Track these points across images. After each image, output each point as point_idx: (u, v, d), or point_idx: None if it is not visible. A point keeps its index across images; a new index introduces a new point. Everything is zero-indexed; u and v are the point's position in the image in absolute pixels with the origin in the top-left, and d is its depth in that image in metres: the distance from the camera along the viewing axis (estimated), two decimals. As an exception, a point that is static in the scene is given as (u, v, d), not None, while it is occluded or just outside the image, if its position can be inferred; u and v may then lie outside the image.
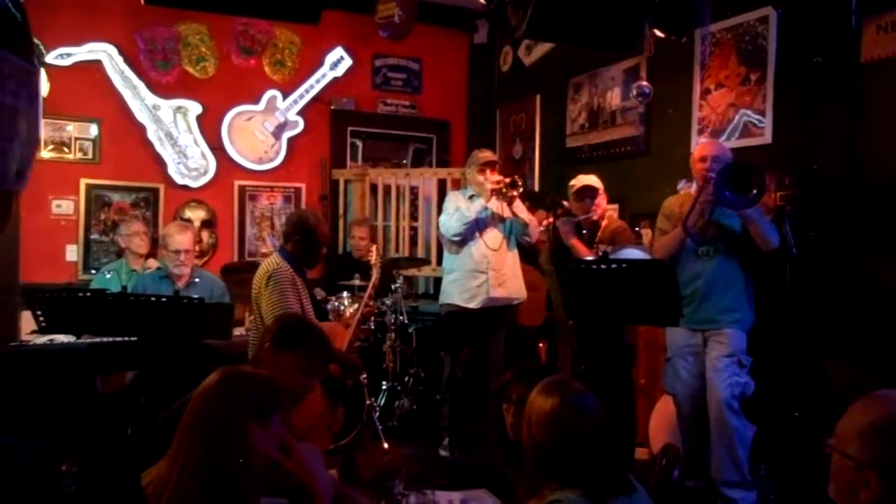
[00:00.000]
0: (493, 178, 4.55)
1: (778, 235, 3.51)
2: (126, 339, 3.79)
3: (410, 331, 5.63)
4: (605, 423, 1.86)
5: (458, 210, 4.62)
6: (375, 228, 6.32)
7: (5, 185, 1.75)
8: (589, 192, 4.41)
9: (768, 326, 3.72)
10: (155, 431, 2.17)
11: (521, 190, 4.48)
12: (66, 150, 5.80)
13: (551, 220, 4.39)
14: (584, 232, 4.48)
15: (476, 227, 4.61)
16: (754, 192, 3.35)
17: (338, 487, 2.00)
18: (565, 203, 4.48)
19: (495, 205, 4.57)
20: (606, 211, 4.60)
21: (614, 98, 5.51)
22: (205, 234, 6.23)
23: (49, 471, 3.31)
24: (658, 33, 4.15)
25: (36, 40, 5.37)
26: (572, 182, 4.50)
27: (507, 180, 4.47)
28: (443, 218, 4.73)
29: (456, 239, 4.63)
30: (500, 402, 2.52)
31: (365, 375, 4.45)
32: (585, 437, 1.81)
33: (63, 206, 5.79)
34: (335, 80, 6.64)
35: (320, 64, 6.59)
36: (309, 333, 2.44)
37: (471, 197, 4.70)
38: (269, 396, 1.78)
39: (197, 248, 5.50)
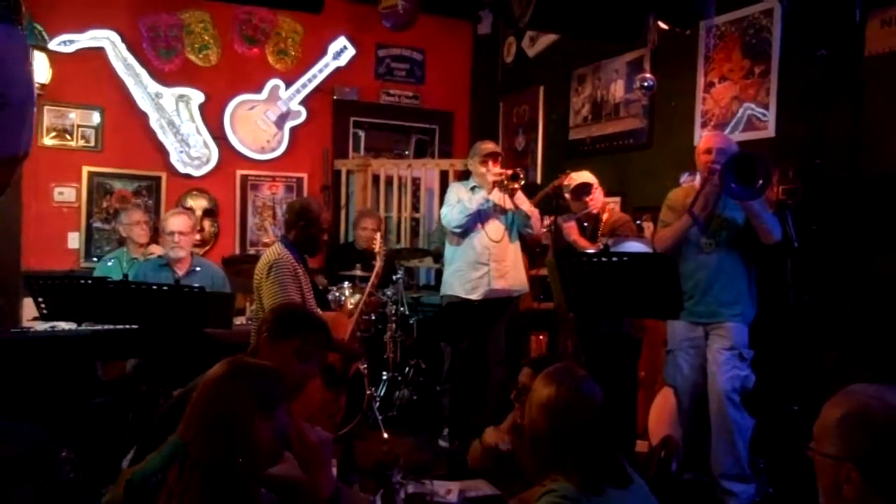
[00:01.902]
0: (494, 170, 4.55)
1: (780, 229, 3.50)
2: (127, 326, 3.81)
3: (411, 322, 5.63)
4: (603, 413, 1.86)
5: (459, 201, 4.61)
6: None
7: (20, 150, 1.76)
8: (584, 189, 4.42)
9: (769, 320, 3.72)
10: (157, 419, 2.17)
11: (522, 182, 4.48)
12: (68, 137, 5.79)
13: (553, 218, 4.40)
14: (586, 225, 4.48)
15: (478, 219, 4.60)
16: (760, 182, 3.34)
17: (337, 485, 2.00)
18: (567, 195, 4.48)
19: (497, 196, 4.57)
20: (606, 204, 4.60)
21: (618, 90, 5.49)
22: (206, 223, 6.23)
23: (49, 457, 3.33)
24: (662, 25, 4.14)
25: (38, 26, 5.38)
26: (566, 182, 4.50)
27: (509, 172, 4.47)
28: (444, 209, 4.73)
29: (457, 230, 4.63)
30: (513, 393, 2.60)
31: (365, 365, 4.46)
32: (582, 425, 1.81)
33: (65, 194, 5.79)
34: (338, 69, 6.63)
35: (323, 53, 6.57)
36: (305, 321, 2.43)
37: (473, 188, 4.70)
38: (275, 388, 1.76)
39: (198, 236, 5.51)
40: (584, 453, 1.80)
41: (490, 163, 4.61)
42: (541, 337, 5.17)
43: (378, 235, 4.83)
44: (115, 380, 4.18)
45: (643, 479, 1.94)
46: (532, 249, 5.05)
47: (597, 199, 4.46)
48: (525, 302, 5.05)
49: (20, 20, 2.72)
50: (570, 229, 4.38)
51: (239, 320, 4.59)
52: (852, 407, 1.38)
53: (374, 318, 5.27)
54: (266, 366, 1.86)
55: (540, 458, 1.87)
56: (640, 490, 1.89)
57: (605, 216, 4.48)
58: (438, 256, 5.75)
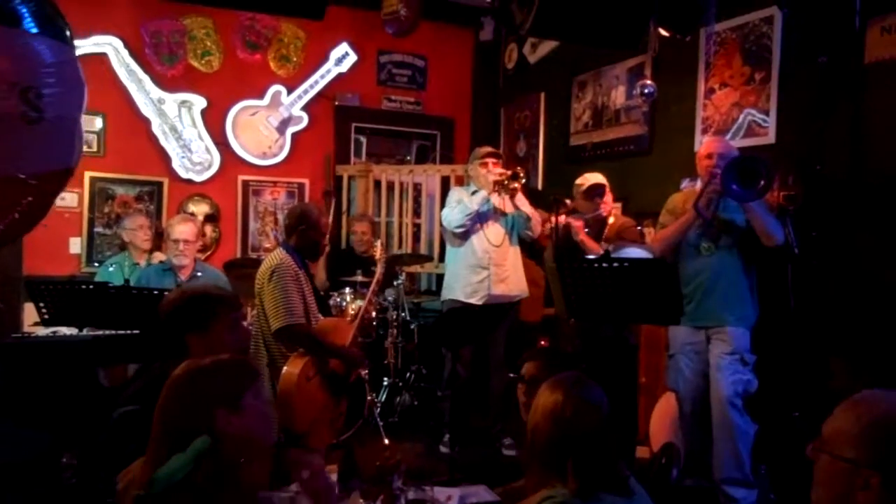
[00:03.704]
0: (495, 171, 4.56)
1: (782, 231, 3.51)
2: (129, 332, 3.81)
3: (412, 327, 5.64)
4: (608, 421, 1.86)
5: (460, 202, 4.63)
6: (378, 224, 6.33)
7: (62, 166, 1.79)
8: (598, 190, 4.42)
9: (770, 325, 3.73)
10: (113, 425, 2.18)
11: (523, 181, 4.47)
12: (70, 142, 5.80)
13: (554, 219, 4.38)
14: (587, 230, 4.48)
15: (478, 221, 4.61)
16: (761, 184, 3.36)
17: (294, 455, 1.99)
18: (568, 201, 4.48)
19: (497, 200, 4.57)
20: (613, 208, 4.61)
21: (618, 97, 5.51)
22: (208, 229, 6.24)
23: (50, 463, 3.33)
24: (663, 32, 4.15)
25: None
26: (579, 181, 4.49)
27: (509, 172, 4.48)
28: (445, 211, 4.74)
29: (459, 231, 4.64)
30: (516, 383, 2.58)
31: (366, 371, 4.46)
32: (587, 434, 1.81)
33: (67, 199, 5.79)
34: (340, 75, 6.65)
35: (325, 59, 6.60)
36: (213, 299, 2.46)
37: (473, 192, 4.71)
38: (232, 380, 1.75)
39: (200, 242, 5.51)
40: (586, 461, 1.79)
41: (490, 163, 4.63)
42: (542, 342, 5.17)
43: (378, 242, 4.84)
44: (116, 386, 4.19)
45: (644, 485, 1.94)
46: (539, 254, 5.03)
47: (608, 201, 4.47)
48: (535, 308, 5.05)
49: (71, 38, 2.78)
50: (580, 229, 4.37)
51: (240, 325, 4.58)
52: (878, 413, 1.35)
53: (375, 323, 5.26)
54: (218, 360, 1.83)
55: (541, 463, 1.86)
56: (641, 499, 1.88)
57: (611, 220, 4.49)
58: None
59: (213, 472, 1.62)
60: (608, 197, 4.47)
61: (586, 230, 4.47)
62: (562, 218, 4.33)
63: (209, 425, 1.65)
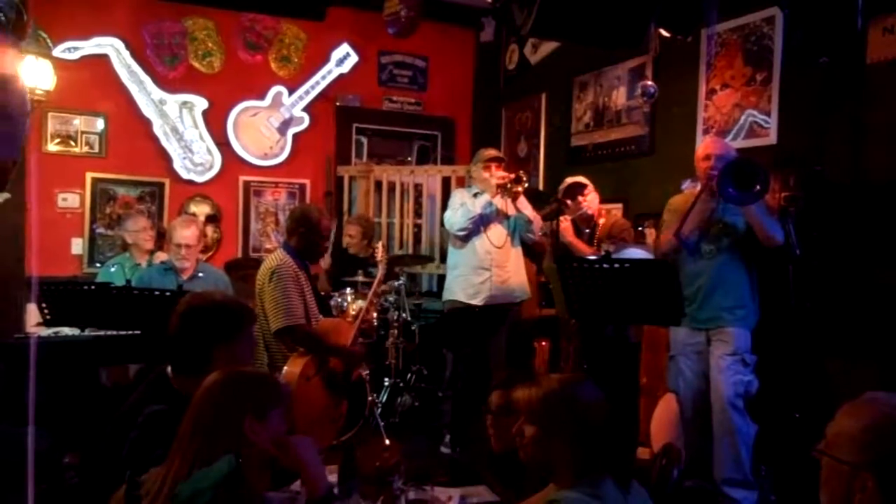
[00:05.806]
0: (498, 174, 4.57)
1: (781, 232, 3.51)
2: (130, 332, 3.81)
3: (413, 328, 5.64)
4: (614, 417, 1.85)
5: (463, 205, 4.64)
6: (376, 225, 6.32)
7: (16, 156, 1.82)
8: (576, 189, 4.43)
9: (771, 326, 3.72)
10: (109, 434, 2.18)
11: (525, 185, 4.49)
12: (72, 143, 5.82)
13: (552, 225, 4.40)
14: (587, 231, 4.49)
15: (480, 223, 4.62)
16: (757, 187, 3.36)
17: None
18: (569, 202, 4.48)
19: (500, 202, 4.58)
20: (603, 209, 4.61)
21: (619, 97, 5.51)
22: (209, 229, 6.24)
23: (52, 462, 3.33)
24: (664, 33, 4.14)
25: (43, 34, 5.41)
26: (560, 187, 4.52)
27: (512, 176, 4.49)
28: (448, 213, 4.75)
29: (461, 233, 4.65)
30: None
31: (367, 371, 4.46)
32: (600, 428, 1.80)
33: (69, 200, 5.82)
34: (341, 76, 6.65)
35: (326, 60, 6.60)
36: (238, 308, 2.41)
37: (475, 195, 4.71)
38: (267, 393, 1.82)
39: (202, 244, 5.52)
40: (596, 456, 1.79)
41: (493, 167, 4.64)
42: (543, 343, 5.17)
43: (380, 243, 4.85)
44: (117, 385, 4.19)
45: (645, 486, 1.93)
46: (537, 256, 5.05)
47: (591, 200, 4.47)
48: (529, 308, 5.06)
49: (21, 35, 2.80)
50: (566, 230, 4.39)
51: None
52: (877, 416, 1.35)
53: (376, 324, 5.26)
54: (258, 373, 1.92)
55: (550, 460, 1.85)
56: (640, 496, 1.88)
57: (601, 220, 4.50)
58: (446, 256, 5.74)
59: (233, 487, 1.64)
60: (592, 195, 4.48)
61: (586, 230, 4.48)
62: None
63: (238, 429, 1.69)
